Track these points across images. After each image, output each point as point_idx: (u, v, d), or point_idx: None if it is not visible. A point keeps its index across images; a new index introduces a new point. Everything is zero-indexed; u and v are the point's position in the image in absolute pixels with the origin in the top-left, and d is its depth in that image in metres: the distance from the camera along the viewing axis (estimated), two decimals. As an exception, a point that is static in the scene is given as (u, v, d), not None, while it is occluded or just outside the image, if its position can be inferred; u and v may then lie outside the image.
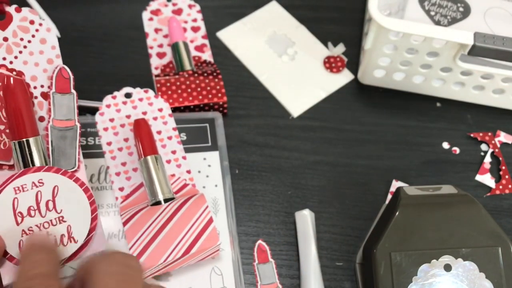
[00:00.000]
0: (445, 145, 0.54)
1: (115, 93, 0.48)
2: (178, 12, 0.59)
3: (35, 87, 0.38)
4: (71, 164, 0.37)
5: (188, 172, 0.46)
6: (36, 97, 0.38)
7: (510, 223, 0.50)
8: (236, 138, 0.52)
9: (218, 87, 0.51)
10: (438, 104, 0.56)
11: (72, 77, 0.38)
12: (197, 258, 0.42)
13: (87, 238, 0.36)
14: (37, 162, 0.35)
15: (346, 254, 0.47)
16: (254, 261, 0.46)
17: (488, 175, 0.52)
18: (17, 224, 0.34)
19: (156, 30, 0.57)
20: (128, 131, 0.47)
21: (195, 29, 0.58)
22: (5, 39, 0.37)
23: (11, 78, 0.35)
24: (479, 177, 0.52)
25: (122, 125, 0.47)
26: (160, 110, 0.48)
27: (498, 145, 0.54)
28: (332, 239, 0.48)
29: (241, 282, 0.44)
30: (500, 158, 0.53)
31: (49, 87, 0.38)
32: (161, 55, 0.56)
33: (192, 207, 0.42)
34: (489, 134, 0.54)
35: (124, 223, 0.41)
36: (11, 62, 0.37)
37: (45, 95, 0.38)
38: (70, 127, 0.37)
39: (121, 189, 0.45)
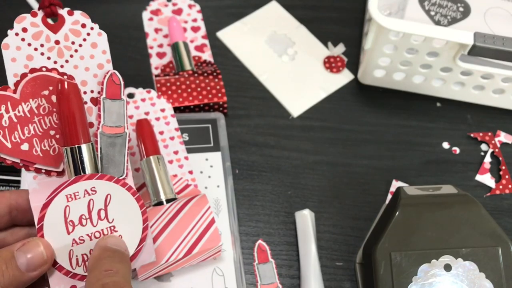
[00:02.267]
0: (445, 145, 0.54)
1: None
2: (178, 12, 0.59)
3: (85, 92, 0.36)
4: (119, 172, 0.36)
5: (190, 172, 0.46)
6: (86, 103, 0.36)
7: (510, 223, 0.50)
8: (236, 138, 0.52)
9: (218, 87, 0.51)
10: (438, 104, 0.56)
11: (123, 82, 0.37)
12: (199, 259, 0.42)
13: (138, 248, 0.34)
14: (89, 170, 0.34)
15: (346, 254, 0.47)
16: (254, 261, 0.46)
17: (488, 175, 0.52)
18: (68, 233, 0.33)
19: (156, 30, 0.57)
20: (131, 131, 0.47)
21: (195, 29, 0.58)
22: (57, 42, 0.36)
23: (65, 82, 0.34)
24: (479, 177, 0.52)
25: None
26: (163, 110, 0.48)
27: (498, 145, 0.54)
28: (332, 239, 0.48)
29: (242, 282, 0.44)
30: (500, 158, 0.53)
31: (99, 92, 0.37)
32: (161, 55, 0.56)
33: (194, 207, 0.42)
34: (489, 134, 0.54)
35: None
36: (62, 66, 0.36)
37: (94, 101, 0.37)
38: (119, 134, 0.36)
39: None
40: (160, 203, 0.43)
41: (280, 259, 0.47)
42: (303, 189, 0.50)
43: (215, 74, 0.52)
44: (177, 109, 0.50)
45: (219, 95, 0.51)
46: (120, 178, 0.35)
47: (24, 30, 0.35)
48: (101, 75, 0.37)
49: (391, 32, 0.48)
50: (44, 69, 0.35)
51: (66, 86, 0.34)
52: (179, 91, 0.50)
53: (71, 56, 0.36)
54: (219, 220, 0.46)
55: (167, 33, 0.56)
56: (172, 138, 0.47)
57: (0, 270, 0.30)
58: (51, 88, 0.35)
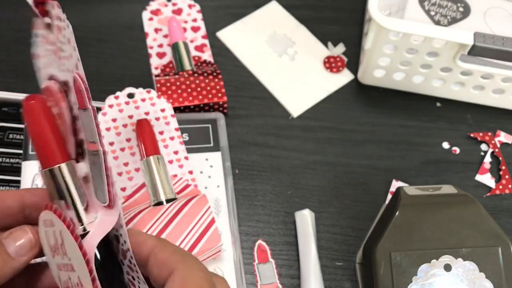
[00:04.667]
0: (445, 145, 0.54)
1: (118, 93, 0.48)
2: (178, 12, 0.59)
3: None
4: (103, 199, 0.28)
5: (190, 172, 0.46)
6: (63, 134, 0.30)
7: (510, 223, 0.50)
8: (236, 138, 0.52)
9: (218, 87, 0.51)
10: (438, 104, 0.56)
11: (84, 87, 0.27)
12: (199, 259, 0.42)
13: None
14: (66, 194, 0.29)
15: (346, 254, 0.47)
16: (254, 261, 0.46)
17: (488, 175, 0.52)
18: (53, 256, 0.29)
19: (156, 30, 0.57)
20: (131, 131, 0.47)
21: (195, 29, 0.58)
22: (53, 42, 0.29)
23: (25, 104, 0.28)
24: (479, 177, 0.52)
25: (125, 125, 0.47)
26: (163, 110, 0.48)
27: (498, 145, 0.54)
28: (332, 239, 0.48)
29: (242, 282, 0.44)
30: (500, 158, 0.53)
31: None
32: (161, 55, 0.56)
33: (194, 207, 0.42)
34: (489, 134, 0.54)
35: (126, 224, 0.41)
36: (60, 70, 0.30)
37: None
38: (95, 152, 0.28)
39: (123, 189, 0.45)
40: (160, 203, 0.43)
41: (280, 259, 0.47)
42: (303, 189, 0.50)
43: (215, 74, 0.52)
44: (177, 109, 0.50)
45: (219, 95, 0.51)
46: (104, 205, 0.28)
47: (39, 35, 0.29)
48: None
49: (391, 32, 0.48)
50: (51, 77, 0.30)
51: (30, 103, 0.28)
52: (179, 91, 0.50)
53: (64, 57, 0.29)
54: (219, 220, 0.46)
55: (167, 33, 0.56)
56: (172, 138, 0.48)
57: None
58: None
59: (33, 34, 0.30)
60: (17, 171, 0.46)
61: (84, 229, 0.29)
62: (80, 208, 0.29)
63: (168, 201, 0.43)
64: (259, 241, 0.47)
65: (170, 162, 0.46)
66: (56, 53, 0.29)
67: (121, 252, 0.29)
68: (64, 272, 0.29)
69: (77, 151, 0.30)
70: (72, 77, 0.28)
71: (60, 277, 0.29)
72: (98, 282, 0.27)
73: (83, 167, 0.30)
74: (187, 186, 0.46)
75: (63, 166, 0.29)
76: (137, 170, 0.46)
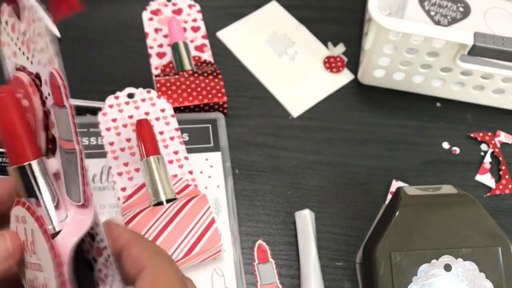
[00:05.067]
0: (445, 145, 0.54)
1: (118, 93, 0.48)
2: (178, 12, 0.59)
3: (49, 94, 0.28)
4: (77, 197, 0.27)
5: (190, 172, 0.46)
6: (32, 128, 0.29)
7: (510, 223, 0.50)
8: (236, 138, 0.52)
9: (218, 87, 0.51)
10: (438, 104, 0.56)
11: (62, 83, 0.25)
12: (199, 259, 0.42)
13: None
14: (44, 189, 0.28)
15: (346, 254, 0.47)
16: (254, 261, 0.46)
17: (488, 175, 0.52)
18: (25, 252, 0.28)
19: (156, 30, 0.57)
20: (131, 131, 0.47)
21: (195, 29, 0.58)
22: (24, 33, 0.28)
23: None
24: (479, 177, 0.52)
25: (125, 125, 0.47)
26: (163, 110, 0.48)
27: (498, 145, 0.54)
28: (332, 239, 0.48)
29: (242, 282, 0.44)
30: (500, 158, 0.53)
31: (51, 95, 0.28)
32: (161, 55, 0.56)
33: (194, 207, 0.42)
34: (489, 134, 0.54)
35: (126, 223, 0.41)
36: (31, 63, 0.28)
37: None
38: (71, 150, 0.27)
39: (123, 189, 0.45)
40: (160, 203, 0.43)
41: (280, 259, 0.47)
42: (303, 189, 0.50)
43: (215, 74, 0.52)
44: (177, 109, 0.50)
45: (219, 95, 0.51)
46: (79, 204, 0.27)
47: (7, 23, 0.28)
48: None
49: (391, 32, 0.48)
50: (21, 68, 0.29)
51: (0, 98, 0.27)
52: (179, 91, 0.50)
53: (34, 49, 0.28)
54: (219, 220, 0.46)
55: (167, 33, 0.56)
56: (172, 138, 0.48)
57: None
58: (22, 91, 0.28)
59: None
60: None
61: (54, 229, 0.27)
62: (50, 206, 0.28)
63: (168, 201, 0.43)
64: (259, 241, 0.47)
65: (170, 162, 0.46)
66: (27, 44, 0.28)
67: (96, 249, 0.28)
68: (31, 271, 0.28)
69: (47, 146, 0.28)
70: (47, 71, 0.26)
71: (27, 275, 0.28)
72: (68, 286, 0.26)
73: (54, 164, 0.28)
74: (187, 186, 0.46)
75: (34, 163, 0.28)
76: (137, 170, 0.46)
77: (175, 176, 0.46)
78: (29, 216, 0.27)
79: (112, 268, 0.27)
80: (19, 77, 0.28)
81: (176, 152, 0.47)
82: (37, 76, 0.28)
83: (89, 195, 0.27)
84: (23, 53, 0.28)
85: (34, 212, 0.27)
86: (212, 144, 0.49)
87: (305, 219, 0.47)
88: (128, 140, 0.47)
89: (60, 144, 0.28)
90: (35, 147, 0.28)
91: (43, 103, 0.29)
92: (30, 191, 0.28)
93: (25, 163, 0.28)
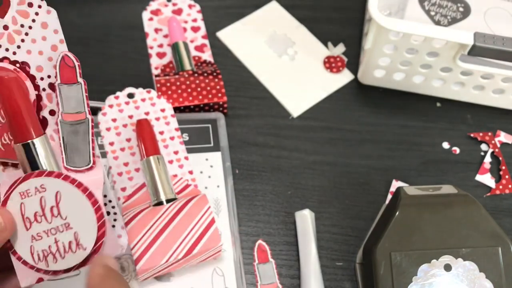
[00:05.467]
0: (445, 145, 0.54)
1: (118, 93, 0.48)
2: (178, 12, 0.59)
3: (41, 78, 0.34)
4: (85, 161, 0.34)
5: (190, 172, 0.46)
6: (44, 89, 0.34)
7: (510, 223, 0.50)
8: (236, 138, 0.52)
9: (218, 87, 0.51)
10: (438, 104, 0.56)
11: (77, 64, 0.33)
12: (199, 259, 0.42)
13: (96, 246, 0.33)
14: (46, 164, 0.33)
15: (346, 254, 0.47)
16: (254, 261, 0.46)
17: (488, 175, 0.52)
18: (26, 229, 0.33)
19: (156, 30, 0.57)
20: (131, 131, 0.47)
21: (195, 29, 0.58)
22: (5, 27, 0.33)
23: (4, 78, 0.32)
24: (479, 177, 0.52)
25: (125, 125, 0.47)
26: (163, 110, 0.48)
27: (498, 145, 0.54)
28: (332, 239, 0.48)
29: (242, 282, 0.44)
30: (500, 158, 0.53)
31: (55, 77, 0.34)
32: (161, 55, 0.56)
33: (194, 207, 0.42)
34: (489, 134, 0.54)
35: (126, 223, 0.41)
36: (14, 53, 0.33)
37: (53, 86, 0.34)
38: (81, 121, 0.34)
39: (123, 189, 0.45)
40: (160, 203, 0.43)
41: (280, 259, 0.47)
42: (303, 189, 0.50)
43: (215, 74, 0.52)
44: (177, 109, 0.50)
45: (219, 95, 0.51)
46: (87, 167, 0.34)
47: None
48: (56, 57, 0.34)
49: (391, 32, 0.48)
50: None
51: (5, 81, 0.32)
52: (179, 91, 0.50)
53: (22, 40, 0.33)
54: (219, 220, 0.46)
55: (167, 33, 0.56)
56: (172, 138, 0.48)
57: None
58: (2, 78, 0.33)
59: None
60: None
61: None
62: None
63: (168, 201, 0.43)
64: (259, 241, 0.47)
65: (170, 162, 0.46)
66: (8, 37, 0.33)
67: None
68: (44, 240, 0.32)
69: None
70: (47, 57, 0.33)
71: (34, 247, 0.32)
72: (106, 227, 0.33)
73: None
74: (187, 186, 0.46)
75: (37, 140, 0.32)
76: (137, 170, 0.46)
77: (175, 176, 0.46)
78: (52, 180, 0.32)
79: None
80: (2, 66, 0.33)
81: (176, 152, 0.47)
82: (24, 64, 0.33)
83: (96, 158, 0.34)
84: (0, 46, 0.33)
85: (61, 173, 0.32)
86: (212, 144, 0.49)
87: (305, 219, 0.47)
88: (128, 140, 0.47)
89: (62, 119, 0.33)
90: (37, 126, 0.33)
91: (36, 87, 0.34)
92: (35, 165, 0.32)
93: (29, 141, 0.32)
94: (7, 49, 0.33)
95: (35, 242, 0.33)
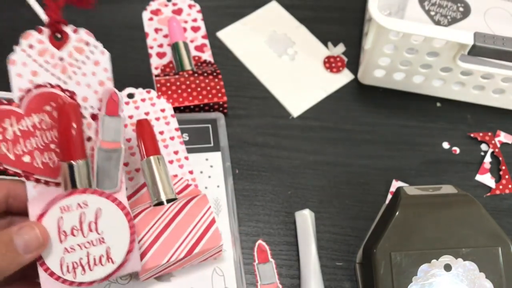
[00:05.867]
0: (445, 145, 0.54)
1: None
2: (178, 12, 0.59)
3: (85, 108, 0.38)
4: (114, 184, 0.38)
5: (191, 172, 0.46)
6: (85, 118, 0.38)
7: (510, 223, 0.50)
8: (236, 138, 0.52)
9: (218, 87, 0.51)
10: (438, 104, 0.56)
11: (121, 100, 0.38)
12: (200, 259, 0.42)
13: (125, 259, 0.37)
14: (82, 184, 0.36)
15: (346, 254, 0.47)
16: (254, 261, 0.46)
17: (488, 175, 0.52)
18: (60, 242, 0.35)
19: (156, 30, 0.57)
20: (131, 131, 0.47)
21: (195, 29, 0.58)
22: (61, 59, 0.37)
23: (66, 102, 0.36)
24: (479, 177, 0.52)
25: (125, 126, 0.47)
26: (163, 110, 0.48)
27: (498, 145, 0.54)
28: (332, 239, 0.48)
29: (242, 282, 0.44)
30: (500, 158, 0.53)
31: (99, 108, 0.38)
32: (161, 55, 0.56)
33: (195, 207, 0.42)
34: (489, 134, 0.54)
35: None
36: (65, 82, 0.38)
37: (94, 116, 0.38)
38: (116, 149, 0.38)
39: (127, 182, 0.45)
40: (160, 203, 0.42)
41: (280, 259, 0.47)
42: (303, 189, 0.50)
43: (215, 74, 0.52)
44: (177, 109, 0.50)
45: (219, 95, 0.51)
46: (113, 190, 0.37)
47: (31, 46, 0.37)
48: (102, 91, 0.38)
49: (391, 32, 0.48)
50: (48, 85, 0.37)
51: (66, 106, 0.36)
52: (179, 91, 0.50)
53: (74, 72, 0.38)
54: (219, 220, 0.46)
55: (167, 33, 0.56)
56: (172, 138, 0.47)
57: (0, 254, 0.32)
58: (53, 104, 0.37)
59: (22, 43, 0.37)
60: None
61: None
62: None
63: (168, 201, 0.43)
64: (259, 241, 0.47)
65: (170, 162, 0.46)
66: (62, 68, 0.37)
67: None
68: (76, 253, 0.35)
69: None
70: (93, 90, 0.38)
71: (65, 259, 0.35)
72: (134, 245, 0.36)
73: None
74: (188, 186, 0.46)
75: (82, 162, 0.36)
76: (137, 170, 0.46)
77: (175, 176, 0.46)
78: (96, 197, 0.36)
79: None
80: (52, 92, 0.37)
81: (176, 152, 0.47)
82: (72, 93, 0.37)
83: (122, 183, 0.38)
84: (52, 74, 0.37)
85: (103, 192, 0.36)
86: (212, 144, 0.49)
87: (305, 219, 0.47)
88: (128, 140, 0.47)
89: (100, 146, 0.37)
90: (83, 150, 0.36)
91: (81, 115, 0.38)
92: (75, 183, 0.36)
93: (75, 161, 0.36)
94: (59, 78, 0.37)
95: (67, 255, 0.35)
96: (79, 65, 0.38)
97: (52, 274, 0.35)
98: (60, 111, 0.36)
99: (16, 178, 0.37)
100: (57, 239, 0.35)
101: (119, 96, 0.38)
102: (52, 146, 0.37)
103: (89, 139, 0.38)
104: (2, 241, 0.32)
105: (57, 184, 0.37)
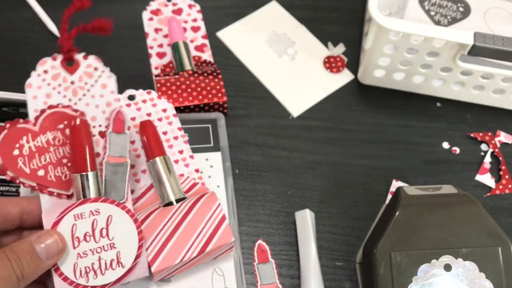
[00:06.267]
0: (445, 145, 0.54)
1: (118, 96, 0.48)
2: (178, 12, 0.59)
3: (94, 126, 0.42)
4: (120, 196, 0.40)
5: (197, 171, 0.46)
6: (94, 135, 0.42)
7: (510, 223, 0.50)
8: (236, 138, 0.52)
9: (218, 87, 0.51)
10: (438, 104, 0.56)
11: (126, 118, 0.43)
12: (212, 256, 0.42)
13: (133, 263, 0.38)
14: (93, 194, 0.39)
15: (346, 254, 0.47)
16: (254, 261, 0.46)
17: (488, 175, 0.52)
18: (74, 247, 0.37)
19: (156, 30, 0.57)
20: (134, 133, 0.47)
21: (195, 29, 0.58)
22: (72, 82, 0.42)
23: (78, 119, 0.40)
24: (479, 177, 0.52)
25: (128, 128, 0.47)
26: (164, 110, 0.48)
27: (498, 145, 0.54)
28: (332, 239, 0.48)
29: (242, 282, 0.44)
30: (500, 158, 0.53)
31: (106, 127, 0.42)
32: (161, 55, 0.56)
33: (204, 205, 0.42)
34: (489, 134, 0.54)
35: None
36: (75, 104, 0.42)
37: (102, 134, 0.42)
38: (122, 163, 0.41)
39: (132, 191, 0.45)
40: (170, 204, 0.42)
41: (280, 259, 0.47)
42: (303, 189, 0.50)
43: (215, 74, 0.52)
44: (177, 109, 0.50)
45: (219, 95, 0.51)
46: (121, 202, 0.40)
47: (45, 72, 0.41)
48: (109, 111, 0.43)
49: (391, 32, 0.48)
50: (60, 105, 0.41)
51: (78, 122, 0.40)
52: (179, 91, 0.50)
53: (84, 95, 0.42)
54: (219, 220, 0.46)
55: (167, 33, 0.56)
56: (176, 138, 0.47)
57: (26, 261, 0.33)
58: (65, 122, 0.41)
59: (38, 69, 0.41)
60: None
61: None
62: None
63: (178, 201, 0.43)
64: (259, 241, 0.47)
65: (176, 161, 0.46)
66: (73, 91, 0.42)
67: None
68: (89, 258, 0.37)
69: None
70: (101, 110, 0.42)
71: (78, 264, 0.37)
72: (143, 249, 0.39)
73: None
74: (195, 184, 0.45)
75: (92, 173, 0.39)
76: (143, 171, 0.46)
77: (182, 175, 0.46)
78: (107, 205, 0.39)
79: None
80: (64, 111, 0.41)
81: (181, 152, 0.47)
82: (82, 113, 0.42)
83: (129, 194, 0.41)
84: (64, 96, 0.42)
85: (114, 201, 0.39)
86: (212, 144, 0.49)
87: (305, 219, 0.47)
88: (132, 142, 0.47)
89: (107, 160, 0.41)
90: (94, 162, 0.40)
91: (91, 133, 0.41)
92: (86, 193, 0.39)
93: (86, 173, 0.39)
94: (70, 99, 0.42)
95: (80, 260, 0.37)
96: (88, 87, 0.42)
97: (66, 279, 0.37)
98: (72, 128, 0.40)
99: (31, 194, 0.40)
100: (71, 245, 0.37)
101: (124, 114, 0.42)
102: (64, 160, 0.40)
103: (97, 154, 0.41)
104: (25, 249, 0.34)
105: (69, 197, 0.40)
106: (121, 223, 0.39)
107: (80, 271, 0.37)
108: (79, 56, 0.43)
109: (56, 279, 0.36)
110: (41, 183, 0.39)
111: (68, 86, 0.42)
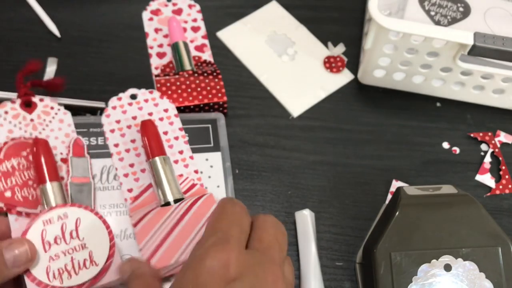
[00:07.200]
0: (445, 145, 0.54)
1: (120, 94, 0.49)
2: (178, 12, 0.59)
3: (55, 155, 0.45)
4: None
5: (196, 172, 0.46)
6: (56, 162, 0.44)
7: (510, 223, 0.50)
8: (236, 138, 0.52)
9: (218, 87, 0.51)
10: (438, 104, 0.56)
11: (85, 144, 0.46)
12: None
13: (107, 262, 0.40)
14: (59, 202, 0.41)
15: (346, 254, 0.47)
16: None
17: (488, 175, 0.52)
18: (45, 251, 0.38)
19: (156, 30, 0.57)
20: (135, 132, 0.47)
21: (195, 29, 0.58)
22: (32, 120, 0.46)
23: (38, 139, 0.44)
24: (479, 177, 0.52)
25: (129, 127, 0.47)
26: (166, 110, 0.48)
27: (498, 145, 0.54)
28: (332, 239, 0.48)
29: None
30: (500, 158, 0.53)
31: (67, 153, 0.45)
32: (161, 55, 0.56)
33: (202, 207, 0.42)
34: (489, 134, 0.54)
35: (134, 225, 0.41)
36: (36, 136, 0.46)
37: (64, 160, 0.45)
38: (85, 183, 0.44)
39: (130, 190, 0.45)
40: (168, 204, 0.42)
41: (280, 259, 0.47)
42: (303, 189, 0.50)
43: (215, 74, 0.52)
44: (177, 109, 0.50)
45: (219, 95, 0.51)
46: None
47: (6, 112, 0.45)
48: (68, 141, 0.46)
49: (391, 32, 0.48)
50: (22, 138, 0.44)
51: (38, 140, 0.43)
52: (179, 91, 0.50)
53: (43, 129, 0.46)
54: (219, 220, 0.46)
55: (167, 33, 0.56)
56: (176, 138, 0.47)
57: None
58: (28, 150, 0.44)
59: None
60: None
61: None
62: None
63: (176, 201, 0.43)
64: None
65: (176, 162, 0.46)
66: (33, 126, 0.46)
67: None
68: (61, 259, 0.39)
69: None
70: (61, 140, 0.46)
71: (51, 266, 0.38)
72: (115, 248, 0.40)
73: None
74: (194, 185, 0.46)
75: (55, 183, 0.42)
76: (143, 171, 0.46)
77: (181, 175, 0.46)
78: (75, 209, 0.41)
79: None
80: (26, 142, 0.44)
81: (181, 152, 0.47)
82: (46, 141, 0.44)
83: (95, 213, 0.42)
84: (25, 131, 0.45)
85: (81, 205, 0.41)
86: (212, 144, 0.49)
87: (305, 219, 0.47)
88: (133, 141, 0.47)
89: (71, 181, 0.44)
90: (56, 175, 0.43)
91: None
92: (52, 202, 0.41)
93: (53, 182, 0.42)
94: (31, 134, 0.46)
95: (52, 262, 0.38)
96: (47, 123, 0.46)
97: (39, 283, 0.37)
98: (33, 144, 0.43)
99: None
100: (41, 249, 0.38)
101: (82, 141, 0.46)
102: (30, 182, 0.43)
103: (62, 178, 0.44)
104: None
105: (37, 215, 0.41)
106: (91, 224, 0.41)
107: (54, 273, 0.38)
108: (35, 99, 0.47)
109: (29, 285, 0.37)
110: (9, 203, 0.41)
111: (28, 123, 0.46)
